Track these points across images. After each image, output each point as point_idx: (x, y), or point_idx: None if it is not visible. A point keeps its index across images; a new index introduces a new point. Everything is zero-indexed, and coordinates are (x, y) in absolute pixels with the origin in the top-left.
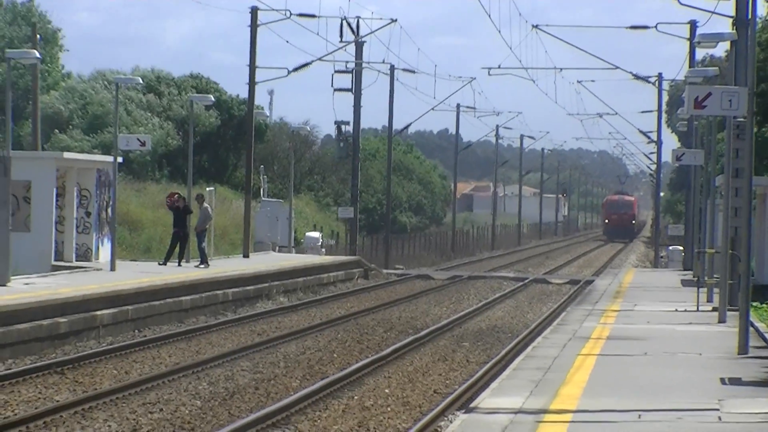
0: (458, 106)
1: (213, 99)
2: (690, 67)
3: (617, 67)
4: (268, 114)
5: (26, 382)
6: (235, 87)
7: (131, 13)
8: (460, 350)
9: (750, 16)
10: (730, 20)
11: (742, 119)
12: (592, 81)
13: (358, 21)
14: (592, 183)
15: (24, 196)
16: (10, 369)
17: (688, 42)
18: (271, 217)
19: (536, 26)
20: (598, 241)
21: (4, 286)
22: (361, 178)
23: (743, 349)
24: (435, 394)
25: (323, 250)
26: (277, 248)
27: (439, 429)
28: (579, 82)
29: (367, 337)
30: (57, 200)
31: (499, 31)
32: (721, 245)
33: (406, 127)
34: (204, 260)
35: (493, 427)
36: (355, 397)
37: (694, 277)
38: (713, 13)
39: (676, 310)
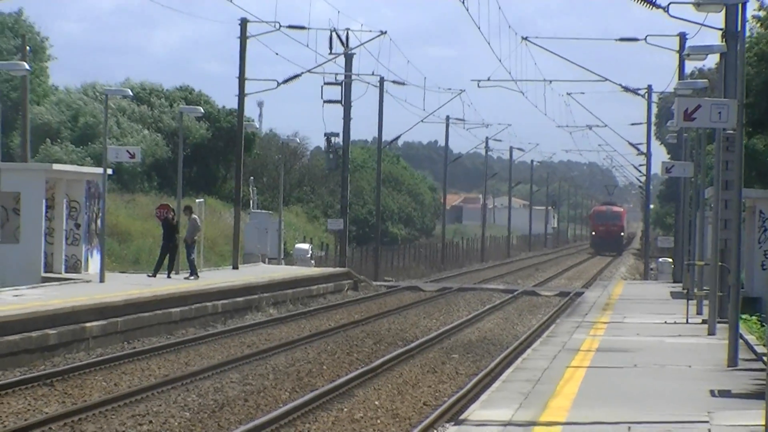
0: (447, 118)
1: (203, 111)
2: (679, 79)
3: (606, 79)
4: (257, 125)
5: (15, 393)
6: (225, 98)
7: (120, 23)
8: (449, 362)
9: (739, 29)
10: (720, 32)
11: (731, 131)
12: (582, 93)
13: (347, 33)
14: (581, 195)
15: (13, 208)
16: None
17: (678, 54)
18: (260, 229)
19: (525, 38)
20: (588, 253)
21: None
22: (350, 189)
23: (733, 361)
24: (425, 406)
25: (313, 261)
26: (267, 260)
27: None
28: (568, 94)
29: (357, 348)
30: (46, 212)
31: (488, 43)
32: (711, 257)
33: (396, 139)
34: (193, 272)
35: None
36: (345, 409)
37: (683, 289)
38: (702, 25)
39: (666, 322)
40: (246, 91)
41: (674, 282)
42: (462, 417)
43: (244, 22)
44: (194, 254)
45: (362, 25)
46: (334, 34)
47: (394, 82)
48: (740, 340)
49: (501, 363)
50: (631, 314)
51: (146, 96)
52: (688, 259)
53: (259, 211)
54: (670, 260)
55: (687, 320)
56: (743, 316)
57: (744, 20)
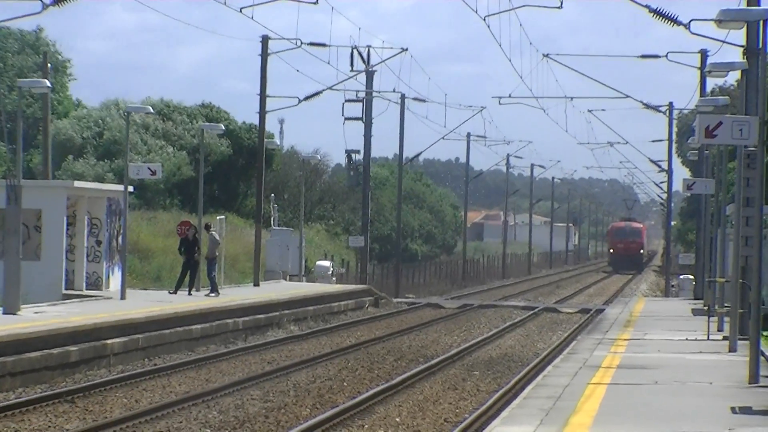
0: (468, 134)
1: (223, 128)
2: (701, 95)
3: (628, 96)
4: (278, 142)
5: (36, 410)
6: (246, 115)
7: (143, 41)
8: (470, 379)
9: (761, 46)
10: (741, 49)
11: (752, 148)
12: (603, 110)
13: (368, 50)
14: (602, 212)
15: (35, 225)
16: (20, 397)
17: (699, 71)
18: (281, 246)
19: (547, 55)
20: (605, 271)
21: (15, 314)
22: (371, 206)
23: (754, 378)
24: (445, 423)
25: (334, 278)
26: (288, 277)
27: None
28: (589, 111)
29: (378, 365)
30: (67, 229)
31: (510, 60)
32: (732, 274)
33: (417, 156)
34: (214, 289)
35: None
36: (366, 426)
37: (704, 306)
38: (724, 42)
39: (687, 339)
40: (267, 108)
41: (695, 299)
42: None
43: (265, 40)
44: (215, 271)
45: (383, 43)
46: (355, 51)
47: (415, 99)
48: (761, 357)
49: (522, 380)
50: (652, 331)
51: (169, 113)
52: (710, 276)
53: (280, 228)
54: (692, 277)
55: (708, 337)
56: (764, 333)
57: (766, 37)
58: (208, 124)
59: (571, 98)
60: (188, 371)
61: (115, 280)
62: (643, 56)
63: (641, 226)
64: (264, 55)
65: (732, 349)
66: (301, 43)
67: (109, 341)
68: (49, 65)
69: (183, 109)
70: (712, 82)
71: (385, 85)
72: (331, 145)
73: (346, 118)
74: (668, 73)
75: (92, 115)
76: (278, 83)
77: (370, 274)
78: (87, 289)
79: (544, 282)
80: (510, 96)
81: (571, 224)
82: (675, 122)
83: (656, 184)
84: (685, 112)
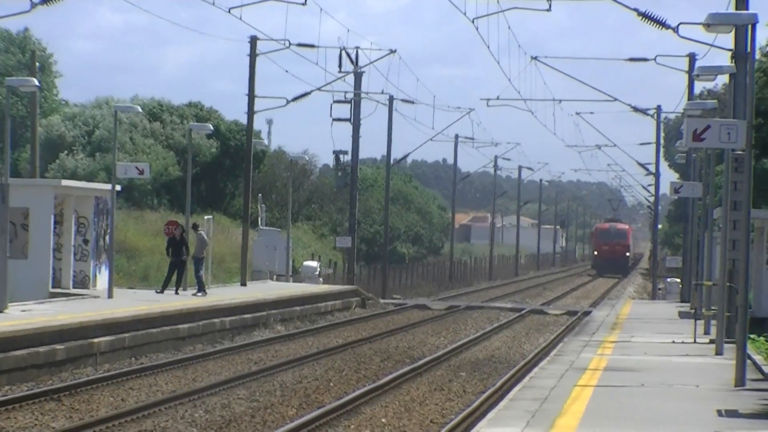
0: (456, 136)
1: (212, 128)
2: (689, 99)
3: (616, 99)
4: (266, 143)
5: (23, 408)
6: (234, 115)
7: (130, 41)
8: (457, 380)
9: (749, 50)
10: (729, 53)
11: (740, 152)
12: (591, 113)
13: (357, 51)
14: (590, 214)
15: (22, 223)
16: (6, 395)
17: (687, 74)
18: (269, 246)
19: (535, 57)
20: (589, 275)
21: (2, 312)
22: (359, 207)
23: (740, 381)
24: (432, 424)
25: (321, 279)
26: (275, 277)
27: None
28: (578, 113)
29: (365, 366)
30: (55, 227)
31: (498, 62)
32: (719, 277)
33: (405, 157)
34: (201, 288)
35: None
36: (352, 427)
37: (691, 309)
38: (712, 45)
39: (674, 342)
40: (255, 109)
41: (682, 302)
42: None
43: (253, 40)
44: (202, 271)
45: (372, 44)
46: (343, 52)
47: (403, 100)
48: (748, 360)
49: (508, 381)
50: (639, 334)
51: (158, 112)
52: (696, 280)
53: (267, 228)
54: (678, 280)
55: (695, 340)
56: (751, 336)
57: (754, 41)
58: (196, 124)
59: (560, 101)
60: (175, 370)
61: (102, 279)
62: (632, 59)
63: (627, 227)
64: (252, 55)
65: (718, 352)
66: (290, 44)
67: (95, 340)
68: (37, 64)
69: (173, 108)
70: (700, 85)
71: (373, 86)
72: (319, 146)
73: (334, 119)
74: (656, 76)
75: (83, 113)
76: (266, 84)
77: (358, 275)
78: (74, 288)
79: (531, 284)
80: (498, 98)
81: (558, 227)
82: (663, 125)
83: (644, 187)
84: (674, 115)
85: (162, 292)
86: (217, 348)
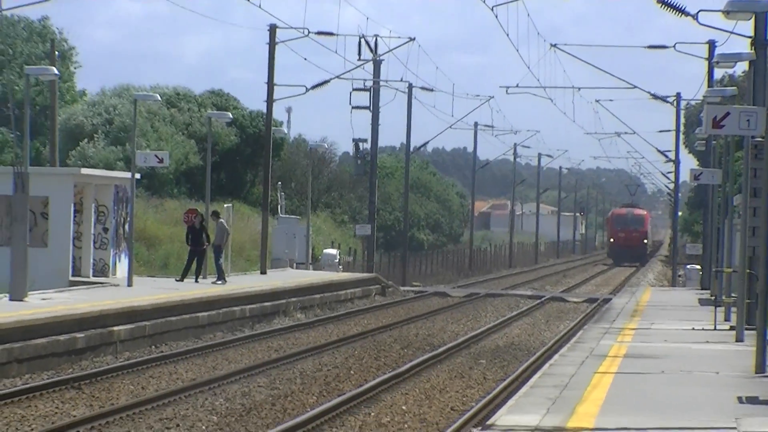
0: (476, 124)
1: (231, 116)
2: (708, 86)
3: (635, 87)
4: (286, 131)
5: (43, 397)
6: (253, 104)
7: (149, 30)
8: (477, 367)
9: None
10: (749, 40)
11: (760, 139)
12: (610, 100)
13: (376, 39)
14: (609, 201)
15: (41, 212)
16: (27, 384)
17: (707, 62)
18: (288, 234)
19: (554, 45)
20: (604, 264)
21: (22, 301)
22: (378, 195)
23: (760, 368)
24: (452, 411)
25: (340, 267)
26: (295, 265)
27: None
28: (597, 101)
29: (384, 354)
30: (74, 216)
31: (517, 50)
32: (739, 264)
33: (424, 145)
34: (221, 276)
35: None
36: (372, 414)
37: (711, 296)
38: (732, 33)
39: (694, 329)
40: (275, 97)
41: (702, 289)
42: (489, 422)
43: (273, 28)
44: (222, 259)
45: (391, 32)
46: (362, 40)
47: (422, 88)
48: None
49: (528, 369)
50: (659, 321)
51: (177, 101)
52: (716, 266)
53: (287, 216)
54: (698, 267)
55: (715, 327)
56: None
57: None
58: (216, 112)
59: (579, 88)
60: (195, 359)
61: (122, 268)
62: (651, 47)
63: (645, 213)
64: (272, 43)
65: (738, 339)
66: (309, 32)
67: (115, 328)
68: (56, 53)
69: (192, 97)
70: (720, 72)
71: (392, 74)
72: (339, 134)
73: (353, 107)
74: (676, 63)
75: (103, 102)
76: (286, 72)
77: (377, 263)
78: (94, 276)
79: (551, 271)
80: (517, 86)
81: (578, 214)
82: (682, 113)
83: (663, 174)
84: (693, 102)
85: (182, 280)
86: (237, 336)
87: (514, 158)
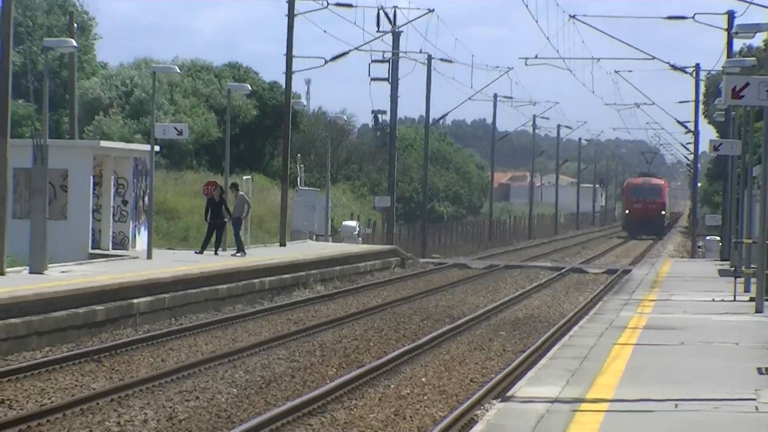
0: (495, 95)
1: (250, 88)
2: (728, 57)
3: (654, 57)
4: (305, 103)
5: (63, 369)
6: (272, 76)
7: (167, 3)
8: (496, 339)
9: None
10: None
11: None
12: (629, 71)
13: (395, 11)
14: (629, 173)
15: (61, 185)
16: (47, 357)
17: (726, 32)
18: (308, 206)
19: (573, 16)
20: (619, 237)
21: (42, 273)
22: (397, 167)
23: None
24: (471, 383)
25: (360, 239)
26: (314, 237)
27: (475, 417)
28: (616, 72)
29: (404, 325)
30: (94, 189)
31: (536, 21)
32: (759, 235)
33: (444, 117)
34: (240, 249)
35: (530, 416)
36: (392, 386)
37: (731, 267)
38: (751, 3)
39: (713, 300)
40: (293, 69)
41: (722, 260)
42: (509, 394)
43: (291, 0)
44: (241, 231)
45: (410, 3)
46: (381, 12)
47: (441, 60)
48: None
49: (548, 340)
50: (679, 292)
51: (196, 73)
52: (736, 237)
53: (306, 188)
54: (718, 238)
55: (734, 298)
56: None
57: None
58: (235, 84)
59: (598, 59)
60: (214, 331)
61: (142, 240)
62: (670, 18)
63: (662, 182)
64: (291, 15)
65: (758, 311)
66: (328, 3)
67: (135, 301)
68: (75, 25)
69: (211, 69)
70: (738, 43)
71: (411, 45)
72: (358, 106)
73: (372, 79)
74: (695, 34)
75: (120, 74)
76: (304, 45)
77: (396, 235)
78: (113, 249)
79: (571, 243)
80: (536, 57)
81: (597, 185)
82: (702, 83)
83: (683, 145)
84: (712, 73)
85: (201, 252)
86: (257, 308)
87: (534, 130)
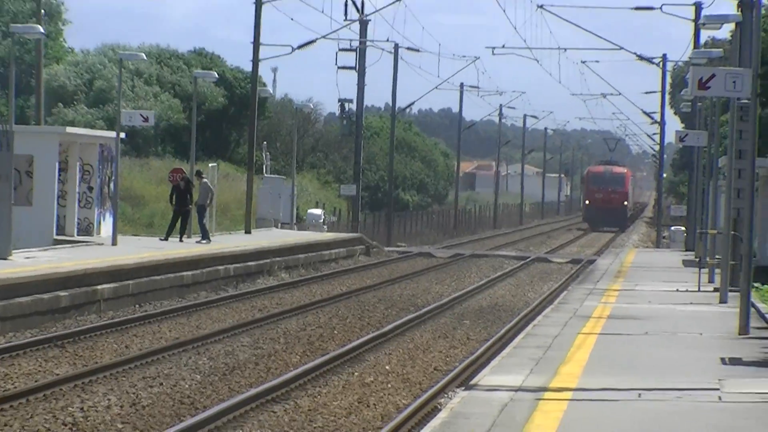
0: (462, 85)
1: (217, 76)
2: (695, 48)
3: (621, 48)
4: (271, 91)
5: (27, 355)
6: (239, 64)
7: None
8: (460, 328)
9: None
10: (736, 2)
11: (746, 101)
12: (596, 61)
13: None
14: (594, 163)
15: (26, 171)
16: (10, 342)
17: (693, 23)
18: (273, 194)
19: (541, 6)
20: (579, 228)
21: (6, 259)
22: (363, 155)
23: (744, 329)
24: (435, 371)
25: (325, 227)
26: (280, 225)
27: (439, 406)
28: (583, 62)
29: (368, 314)
30: (59, 175)
31: (504, 11)
32: (724, 226)
33: (410, 105)
34: (205, 236)
35: (493, 404)
36: (356, 374)
37: (696, 257)
38: None
39: (678, 290)
40: (261, 57)
41: (686, 250)
42: (473, 382)
43: None
44: (206, 218)
45: None
46: (349, 0)
47: (408, 48)
48: (752, 309)
49: (512, 329)
50: (643, 282)
51: (164, 59)
52: (701, 228)
53: (272, 176)
54: (683, 229)
55: (699, 288)
56: (755, 285)
57: None
58: (202, 71)
59: (565, 49)
60: (179, 318)
61: (107, 227)
62: (638, 8)
63: (625, 170)
64: (258, 2)
65: (722, 301)
66: None
67: (99, 287)
68: (42, 11)
69: (179, 56)
70: (706, 34)
71: (379, 34)
72: (325, 95)
73: (339, 68)
74: (662, 25)
75: (85, 62)
76: (272, 33)
77: (362, 223)
78: (78, 235)
79: (536, 232)
80: (504, 47)
81: (563, 175)
82: (668, 74)
83: (649, 136)
84: (679, 64)
85: (166, 239)
86: (221, 295)
87: (500, 119)
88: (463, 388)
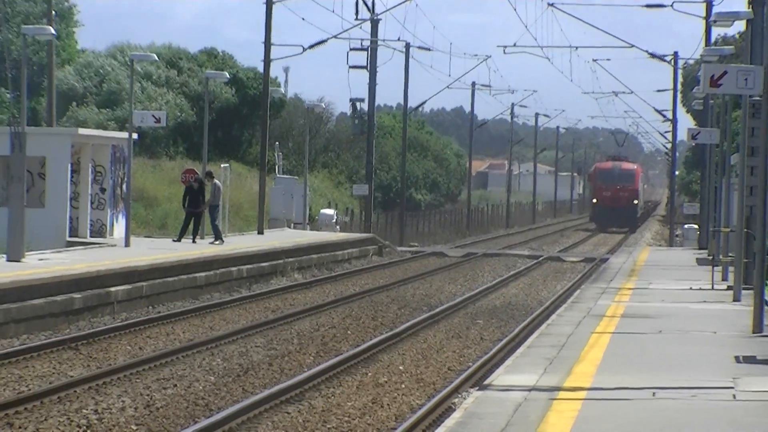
0: (473, 84)
1: (228, 76)
2: (706, 45)
3: (633, 46)
4: (283, 91)
5: (40, 357)
6: (250, 64)
7: None
8: (474, 327)
9: None
10: None
11: (757, 98)
12: (608, 59)
13: None
14: (602, 159)
15: (39, 172)
16: (24, 344)
17: (705, 21)
18: (285, 194)
19: (552, 4)
20: (585, 229)
21: (19, 261)
22: (375, 155)
23: (758, 327)
24: (449, 371)
25: (338, 227)
26: (292, 225)
27: (453, 406)
28: (594, 60)
29: (382, 314)
30: (72, 176)
31: (515, 9)
32: (736, 224)
33: (422, 105)
34: (218, 237)
35: (507, 404)
36: (369, 374)
37: (709, 255)
38: None
39: (691, 289)
40: (272, 57)
41: (700, 248)
42: (486, 382)
43: None
44: (218, 219)
45: None
46: None
47: (419, 48)
48: (765, 307)
49: (526, 328)
50: (657, 280)
51: (174, 60)
52: (714, 226)
53: (284, 176)
54: (696, 227)
55: (712, 286)
56: None
57: None
58: (213, 72)
59: (576, 48)
60: (192, 319)
61: (119, 228)
62: (649, 6)
63: (635, 167)
64: (269, 2)
65: (736, 299)
66: None
67: (113, 288)
68: (53, 12)
69: (190, 56)
70: (717, 32)
71: (390, 33)
72: (336, 94)
73: (350, 67)
74: (674, 22)
75: (93, 64)
76: (283, 32)
77: (374, 223)
78: (91, 237)
79: (548, 231)
80: (515, 45)
81: (575, 173)
82: (680, 72)
83: (661, 134)
84: (691, 61)
85: (179, 240)
86: (234, 296)
87: (512, 118)
88: (477, 388)
